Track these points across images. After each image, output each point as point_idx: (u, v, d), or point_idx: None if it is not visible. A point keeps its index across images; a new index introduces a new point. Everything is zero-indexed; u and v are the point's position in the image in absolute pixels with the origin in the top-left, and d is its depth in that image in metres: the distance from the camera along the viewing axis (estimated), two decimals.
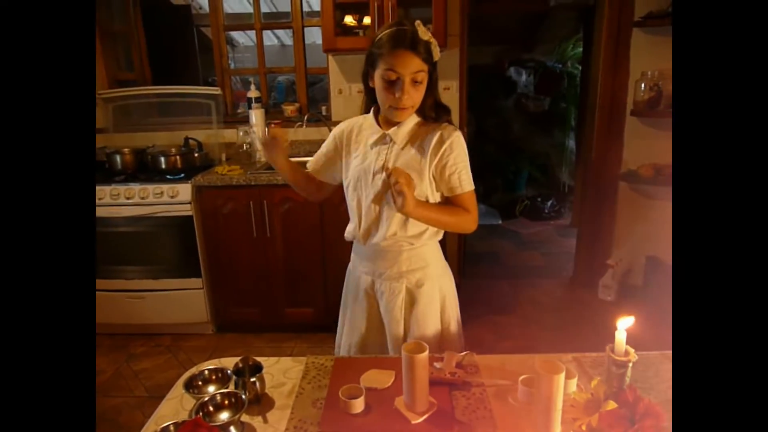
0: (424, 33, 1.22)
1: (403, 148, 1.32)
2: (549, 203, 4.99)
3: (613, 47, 2.95)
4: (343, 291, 1.53)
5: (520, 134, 5.30)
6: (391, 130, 1.32)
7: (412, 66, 1.21)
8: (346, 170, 1.39)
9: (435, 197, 1.33)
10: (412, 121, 1.33)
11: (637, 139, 3.01)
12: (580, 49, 4.73)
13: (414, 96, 1.25)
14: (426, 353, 0.95)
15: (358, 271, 1.44)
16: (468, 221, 1.34)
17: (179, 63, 3.68)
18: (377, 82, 1.26)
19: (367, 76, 1.32)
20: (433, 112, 1.32)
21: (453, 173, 1.31)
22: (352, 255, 1.49)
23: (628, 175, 3.00)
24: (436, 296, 1.40)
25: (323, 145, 1.47)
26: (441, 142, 1.30)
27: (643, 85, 2.85)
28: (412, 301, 1.37)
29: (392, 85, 1.23)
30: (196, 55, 3.73)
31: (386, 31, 1.24)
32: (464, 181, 1.33)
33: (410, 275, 1.37)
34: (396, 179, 1.14)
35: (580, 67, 4.70)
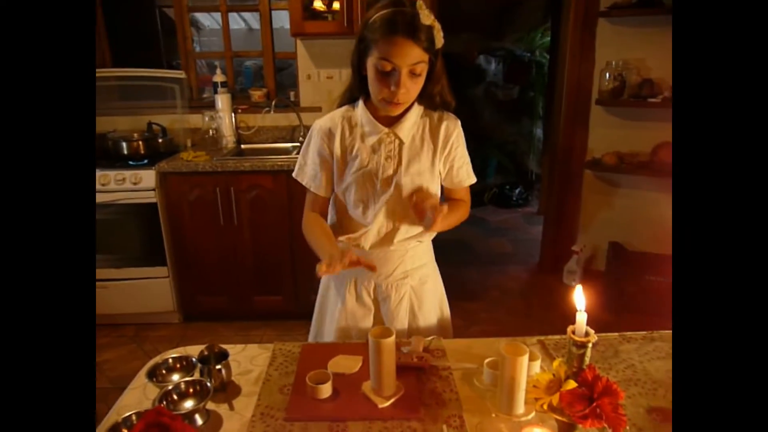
0: (426, 17, 1.05)
1: (410, 146, 1.22)
2: (517, 191, 5.07)
3: (579, 37, 3.00)
4: (320, 300, 1.40)
5: (489, 123, 5.35)
6: (396, 128, 1.20)
7: (411, 56, 1.05)
8: (341, 174, 1.24)
9: (439, 190, 1.29)
10: (415, 112, 1.21)
11: (602, 128, 3.07)
12: (549, 39, 4.79)
13: (411, 90, 1.11)
14: (393, 338, 0.95)
15: (352, 277, 1.30)
16: (467, 211, 1.34)
17: (141, 45, 3.55)
18: (369, 72, 1.11)
19: (358, 63, 1.15)
20: (440, 100, 1.21)
21: (461, 167, 1.27)
22: None
23: (592, 164, 3.07)
24: (438, 290, 1.39)
25: (310, 153, 1.27)
26: (448, 134, 1.24)
27: (607, 75, 2.90)
28: (417, 299, 1.32)
29: (387, 76, 1.08)
30: (159, 38, 3.61)
31: (381, 13, 1.07)
32: (470, 174, 1.31)
33: (414, 273, 1.31)
34: (432, 208, 1.09)
35: (548, 57, 4.76)
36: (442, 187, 1.31)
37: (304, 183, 1.29)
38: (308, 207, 1.31)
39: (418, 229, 1.27)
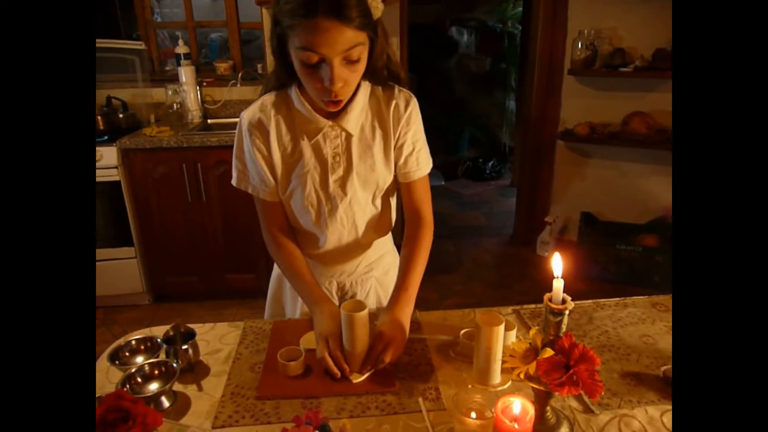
0: None
1: (360, 138, 1.04)
2: (490, 164, 5.08)
3: (551, 6, 2.96)
4: (270, 302, 1.30)
5: (461, 95, 5.31)
6: (341, 119, 1.01)
7: (341, 42, 0.83)
8: (283, 178, 1.07)
9: (394, 186, 1.13)
10: (362, 96, 1.02)
11: (574, 98, 3.07)
12: (520, 9, 4.75)
13: (351, 79, 0.91)
14: (366, 311, 0.93)
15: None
16: (430, 237, 1.13)
17: (96, 15, 3.36)
18: (295, 63, 0.90)
19: (279, 49, 0.93)
20: (386, 73, 1.02)
21: (410, 154, 1.08)
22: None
23: (565, 134, 3.08)
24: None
25: (246, 153, 1.06)
26: (398, 116, 1.04)
27: (579, 44, 2.89)
28: (383, 289, 1.24)
29: (316, 69, 0.87)
30: (116, 6, 3.42)
31: None
32: (422, 162, 1.10)
33: (377, 264, 1.22)
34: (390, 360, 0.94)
35: (520, 27, 4.72)
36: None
37: (250, 191, 1.10)
38: (265, 221, 1.14)
39: (383, 224, 1.17)
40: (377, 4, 0.87)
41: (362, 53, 0.89)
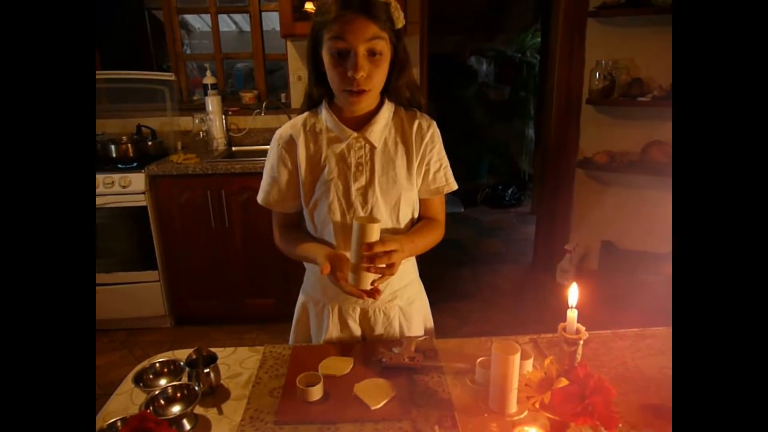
0: None
1: (383, 151, 1.11)
2: (509, 191, 5.07)
3: (569, 37, 3.00)
4: (295, 327, 1.31)
5: (480, 123, 5.36)
6: (366, 132, 1.08)
7: (366, 32, 0.96)
8: (308, 188, 1.13)
9: (416, 201, 1.18)
10: (386, 113, 1.10)
11: (593, 127, 3.08)
12: (539, 39, 4.81)
13: (374, 73, 1.00)
14: (378, 224, 0.97)
15: (336, 305, 1.18)
16: (441, 233, 1.20)
17: (130, 48, 3.52)
18: (326, 60, 1.01)
19: (313, 56, 1.05)
20: (408, 93, 1.11)
21: (438, 170, 1.15)
22: (316, 285, 1.21)
23: (584, 163, 3.08)
24: (424, 307, 1.30)
25: (270, 167, 1.16)
26: (422, 135, 1.12)
27: (597, 74, 2.91)
28: (406, 319, 1.23)
29: (342, 59, 0.98)
30: (149, 40, 3.58)
31: None
32: (450, 179, 1.17)
33: (402, 293, 1.21)
34: (384, 264, 0.98)
35: (539, 57, 4.78)
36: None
37: (260, 199, 1.18)
38: (277, 224, 1.22)
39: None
40: (399, 15, 1.01)
41: (384, 49, 0.99)
